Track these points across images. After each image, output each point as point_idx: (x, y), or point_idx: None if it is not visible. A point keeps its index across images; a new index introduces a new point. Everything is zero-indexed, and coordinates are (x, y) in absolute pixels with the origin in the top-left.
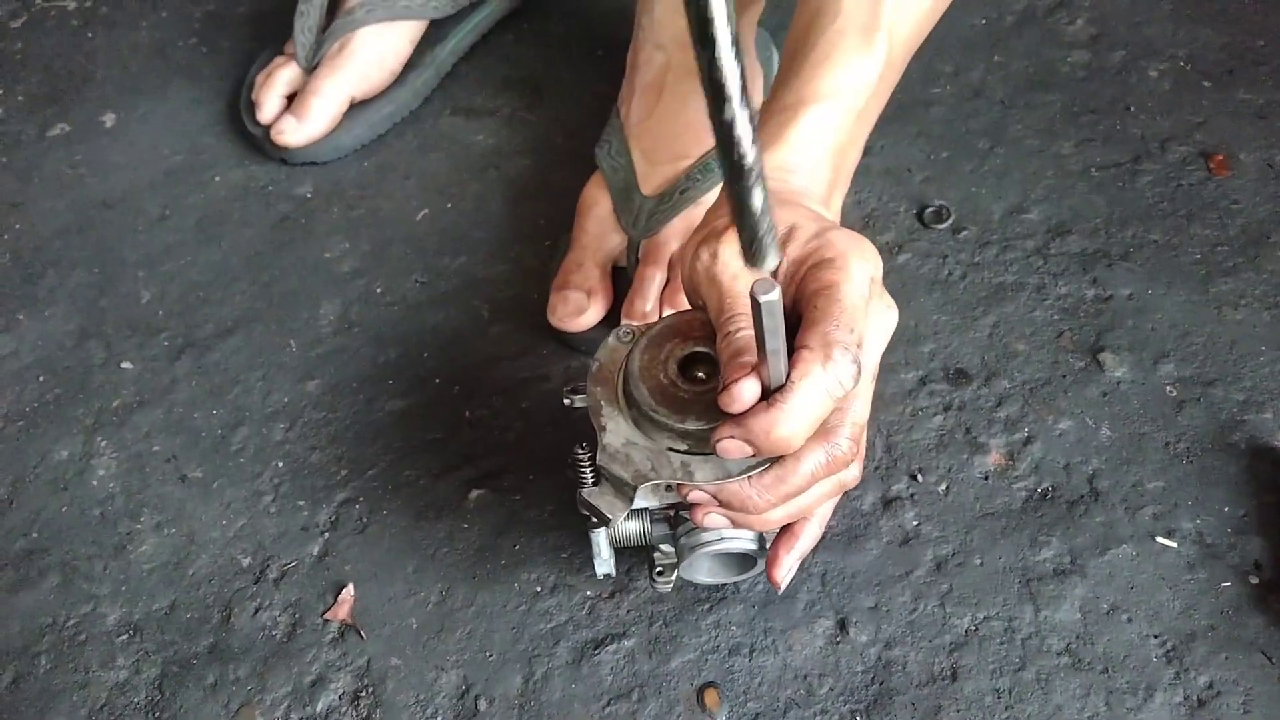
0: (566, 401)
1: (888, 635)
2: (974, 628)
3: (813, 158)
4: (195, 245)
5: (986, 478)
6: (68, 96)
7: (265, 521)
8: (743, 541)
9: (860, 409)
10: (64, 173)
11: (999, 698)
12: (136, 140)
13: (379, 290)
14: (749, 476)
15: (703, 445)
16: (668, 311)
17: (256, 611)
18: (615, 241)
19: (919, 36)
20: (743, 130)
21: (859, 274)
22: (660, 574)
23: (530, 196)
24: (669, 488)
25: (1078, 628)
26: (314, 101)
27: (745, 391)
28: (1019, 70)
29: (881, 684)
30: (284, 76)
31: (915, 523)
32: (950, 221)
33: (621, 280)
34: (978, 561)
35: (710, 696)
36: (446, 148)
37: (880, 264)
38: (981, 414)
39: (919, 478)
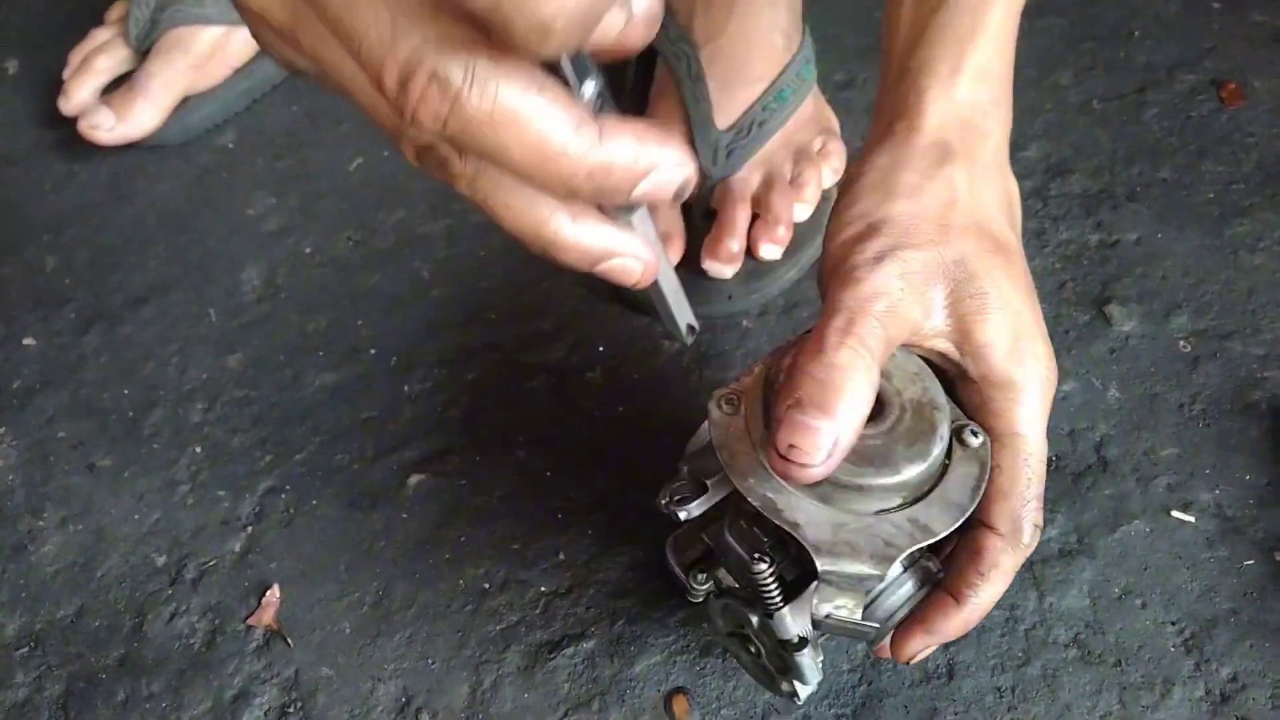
0: (683, 514)
1: None
2: None
3: (1004, 61)
4: (106, 205)
5: None
6: None
7: (181, 515)
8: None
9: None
10: None
11: (1001, 696)
12: (44, 89)
13: (308, 250)
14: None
15: (916, 490)
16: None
17: (172, 617)
18: None
19: None
20: None
21: (1035, 404)
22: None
23: None
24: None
25: (1086, 615)
26: (141, 103)
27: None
28: None
29: (870, 684)
30: (104, 64)
31: None
32: None
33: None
34: None
35: (680, 704)
36: None
37: (1051, 366)
38: None
39: None
